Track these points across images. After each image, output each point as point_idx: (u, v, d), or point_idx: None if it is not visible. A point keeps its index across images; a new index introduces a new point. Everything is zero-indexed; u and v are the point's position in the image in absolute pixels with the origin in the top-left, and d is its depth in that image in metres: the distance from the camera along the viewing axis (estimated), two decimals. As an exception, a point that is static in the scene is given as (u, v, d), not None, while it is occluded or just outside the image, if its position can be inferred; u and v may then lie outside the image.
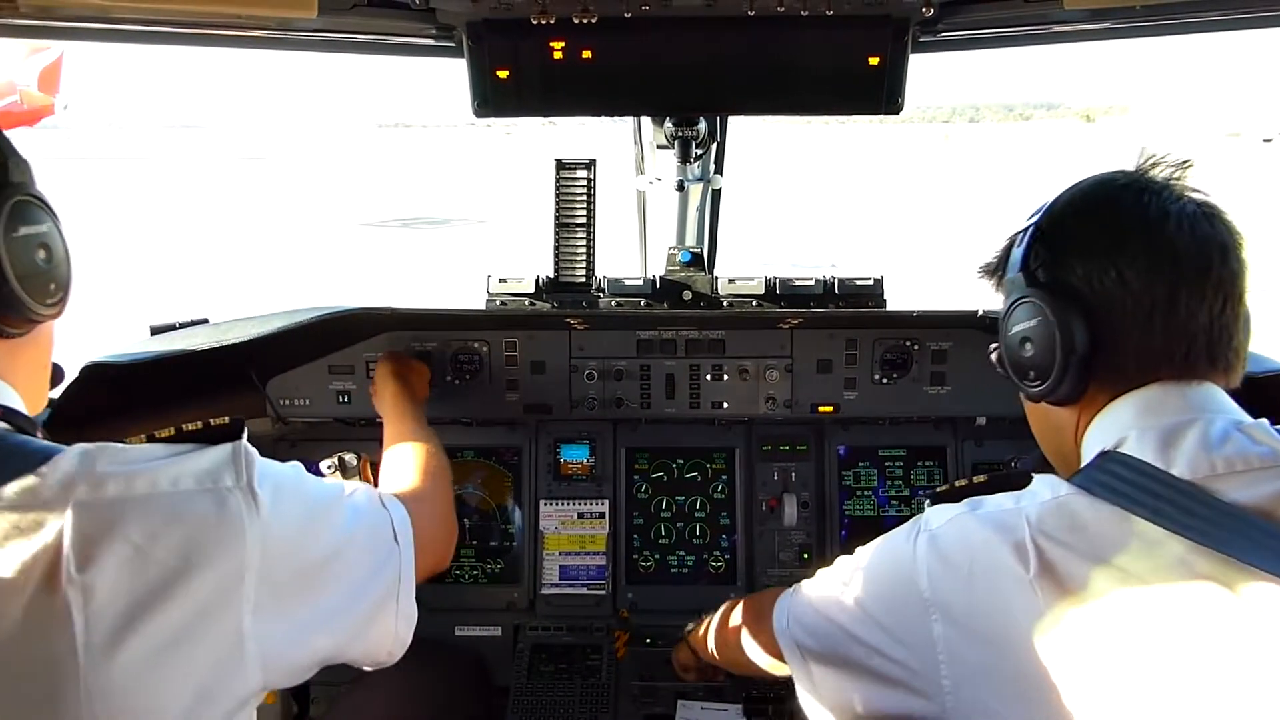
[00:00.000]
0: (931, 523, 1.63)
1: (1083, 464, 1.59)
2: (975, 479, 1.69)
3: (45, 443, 1.38)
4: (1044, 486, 1.54)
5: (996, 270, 1.85)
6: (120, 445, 1.39)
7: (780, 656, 2.03)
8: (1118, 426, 1.57)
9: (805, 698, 1.91)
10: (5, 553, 1.24)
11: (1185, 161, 1.64)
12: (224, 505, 1.37)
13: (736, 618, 2.43)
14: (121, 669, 1.25)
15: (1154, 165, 1.65)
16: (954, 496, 1.66)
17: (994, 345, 1.85)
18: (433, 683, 3.09)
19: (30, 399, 1.55)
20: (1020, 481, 1.59)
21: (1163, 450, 1.48)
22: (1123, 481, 1.45)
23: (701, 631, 2.71)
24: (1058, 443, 1.77)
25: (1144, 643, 1.36)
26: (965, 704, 1.52)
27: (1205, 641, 1.34)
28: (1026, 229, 1.72)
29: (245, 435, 1.48)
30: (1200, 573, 1.36)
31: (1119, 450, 1.52)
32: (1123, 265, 1.55)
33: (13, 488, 1.28)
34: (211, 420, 1.45)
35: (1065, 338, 1.59)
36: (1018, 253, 1.72)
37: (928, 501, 1.71)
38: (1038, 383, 1.67)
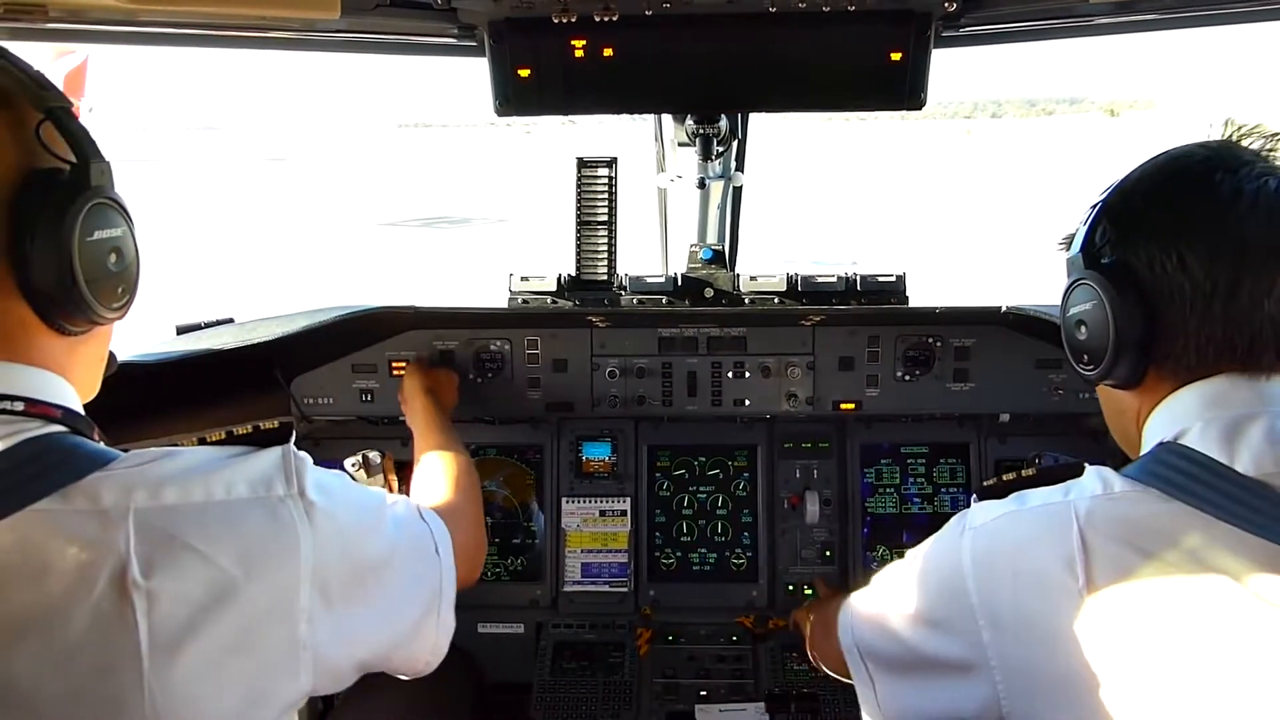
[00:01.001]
0: (975, 520, 1.57)
1: (1142, 453, 1.53)
2: (1024, 472, 1.63)
3: (100, 447, 1.38)
4: (1095, 479, 1.47)
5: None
6: (173, 449, 1.40)
7: (846, 669, 1.99)
8: (1179, 417, 1.50)
9: (868, 712, 1.86)
10: (70, 558, 1.24)
11: (1277, 134, 1.55)
12: (277, 515, 1.39)
13: (813, 628, 2.41)
14: (183, 673, 1.27)
15: (1242, 137, 1.56)
16: (1000, 491, 1.60)
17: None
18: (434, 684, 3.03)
19: (85, 391, 1.56)
20: (1071, 475, 1.53)
21: (1226, 443, 1.41)
22: (1181, 474, 1.39)
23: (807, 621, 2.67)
24: (1122, 426, 1.70)
25: (1202, 643, 1.31)
26: (1018, 707, 1.49)
27: (1266, 640, 1.29)
28: (1096, 205, 1.64)
29: (294, 439, 1.49)
30: (1262, 570, 1.31)
31: (1179, 442, 1.46)
32: (1184, 249, 1.47)
33: (72, 492, 1.28)
34: (261, 424, 1.48)
35: (1119, 323, 1.52)
36: (1082, 230, 1.64)
37: (974, 497, 1.66)
38: (1091, 366, 1.61)
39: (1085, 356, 1.63)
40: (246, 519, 1.36)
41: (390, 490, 3.01)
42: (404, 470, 3.16)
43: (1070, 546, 1.40)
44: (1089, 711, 1.38)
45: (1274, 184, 1.46)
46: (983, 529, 1.54)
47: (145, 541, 1.26)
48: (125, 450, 1.38)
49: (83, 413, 1.48)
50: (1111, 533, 1.40)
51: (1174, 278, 1.48)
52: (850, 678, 2.08)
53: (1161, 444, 1.48)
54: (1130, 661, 1.35)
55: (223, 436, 1.49)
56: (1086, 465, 1.53)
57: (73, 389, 1.48)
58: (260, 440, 1.49)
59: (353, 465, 2.93)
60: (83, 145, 1.44)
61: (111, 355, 1.67)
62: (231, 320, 3.29)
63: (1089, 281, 1.58)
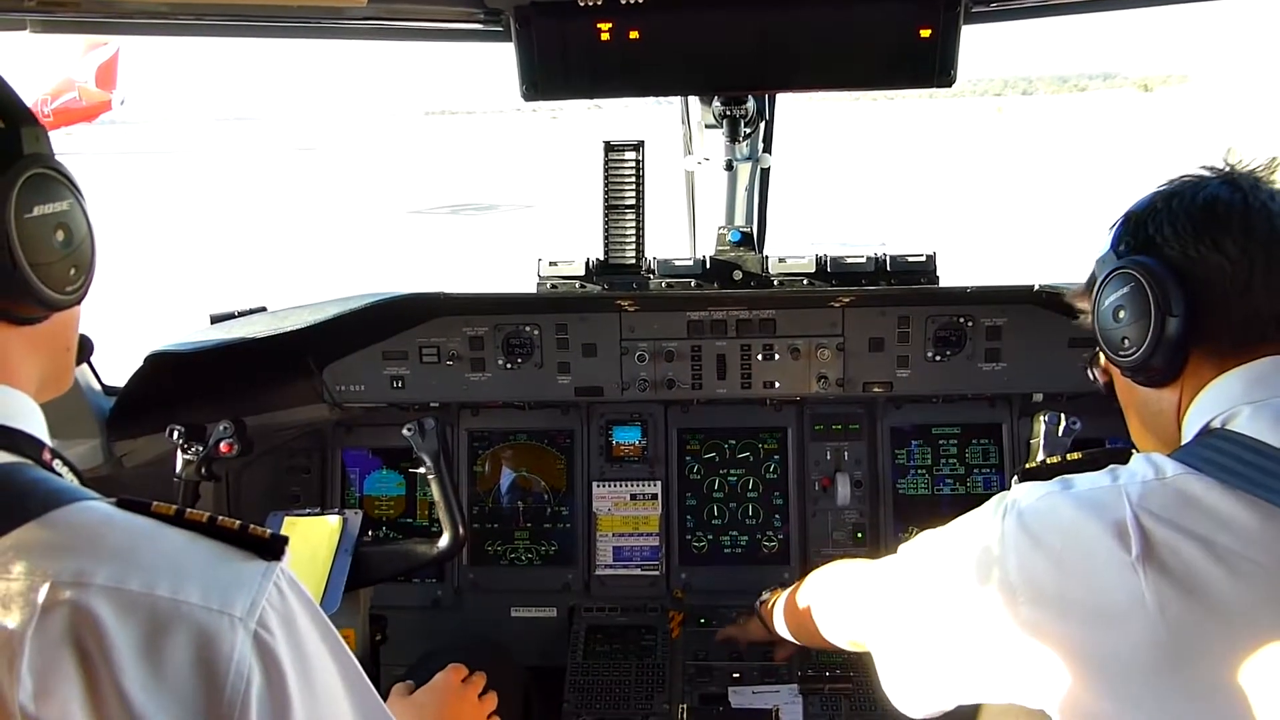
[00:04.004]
0: (1020, 501, 1.54)
1: (1184, 442, 1.52)
2: (1068, 456, 1.61)
3: (44, 486, 1.15)
4: (1145, 464, 1.45)
5: (1087, 286, 1.78)
6: (129, 518, 1.15)
7: (857, 634, 1.99)
8: (1226, 401, 1.49)
9: (886, 678, 1.83)
10: None
11: (1274, 159, 1.61)
12: (215, 641, 1.08)
13: (812, 593, 2.37)
14: None
15: (1240, 164, 1.61)
16: (1044, 474, 1.58)
17: (1085, 354, 1.81)
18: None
19: (51, 383, 1.39)
20: (1116, 459, 1.52)
21: (1279, 427, 1.40)
22: (1235, 460, 1.38)
23: (773, 605, 2.66)
24: (1159, 428, 1.67)
25: (1257, 628, 1.30)
26: (1053, 688, 1.46)
27: None
28: (1116, 222, 1.69)
29: (286, 558, 1.20)
30: None
31: (1228, 427, 1.45)
32: (1217, 233, 1.51)
33: None
34: (250, 526, 1.19)
35: (1159, 297, 1.52)
36: (1108, 239, 1.68)
37: (1014, 478, 1.64)
38: (1133, 350, 1.59)
39: (1126, 340, 1.60)
40: (175, 633, 1.07)
41: (435, 465, 2.98)
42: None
43: (1124, 530, 1.38)
44: (1130, 692, 1.37)
45: None
46: (1028, 508, 1.52)
47: (43, 655, 1.03)
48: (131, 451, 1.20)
49: (27, 430, 1.25)
50: (1166, 518, 1.38)
51: (1209, 258, 1.51)
52: (842, 649, 2.15)
53: (1209, 429, 1.47)
54: (1182, 643, 1.33)
55: (203, 520, 1.17)
56: (1134, 451, 1.52)
57: (24, 396, 1.29)
58: (245, 542, 1.18)
59: (408, 431, 2.95)
60: (11, 109, 1.25)
61: (84, 340, 1.49)
62: (264, 309, 3.33)
63: (1124, 268, 1.59)
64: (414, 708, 2.30)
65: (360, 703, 1.26)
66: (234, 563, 1.15)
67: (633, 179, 3.23)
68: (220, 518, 1.18)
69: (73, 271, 1.30)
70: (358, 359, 3.46)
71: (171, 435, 2.93)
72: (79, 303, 1.35)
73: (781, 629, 2.58)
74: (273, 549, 1.18)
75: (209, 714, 1.06)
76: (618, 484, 3.64)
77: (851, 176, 34.55)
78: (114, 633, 1.04)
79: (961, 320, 3.36)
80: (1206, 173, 1.62)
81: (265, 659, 1.10)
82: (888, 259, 3.19)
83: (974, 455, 3.62)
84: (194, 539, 1.16)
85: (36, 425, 1.28)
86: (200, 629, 1.07)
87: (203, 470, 2.96)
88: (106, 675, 1.03)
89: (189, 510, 1.18)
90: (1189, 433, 1.54)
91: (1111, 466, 1.50)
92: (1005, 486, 3.51)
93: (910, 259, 3.19)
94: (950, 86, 2.43)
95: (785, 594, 2.58)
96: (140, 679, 1.03)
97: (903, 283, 3.19)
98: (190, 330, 3.20)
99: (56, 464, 1.26)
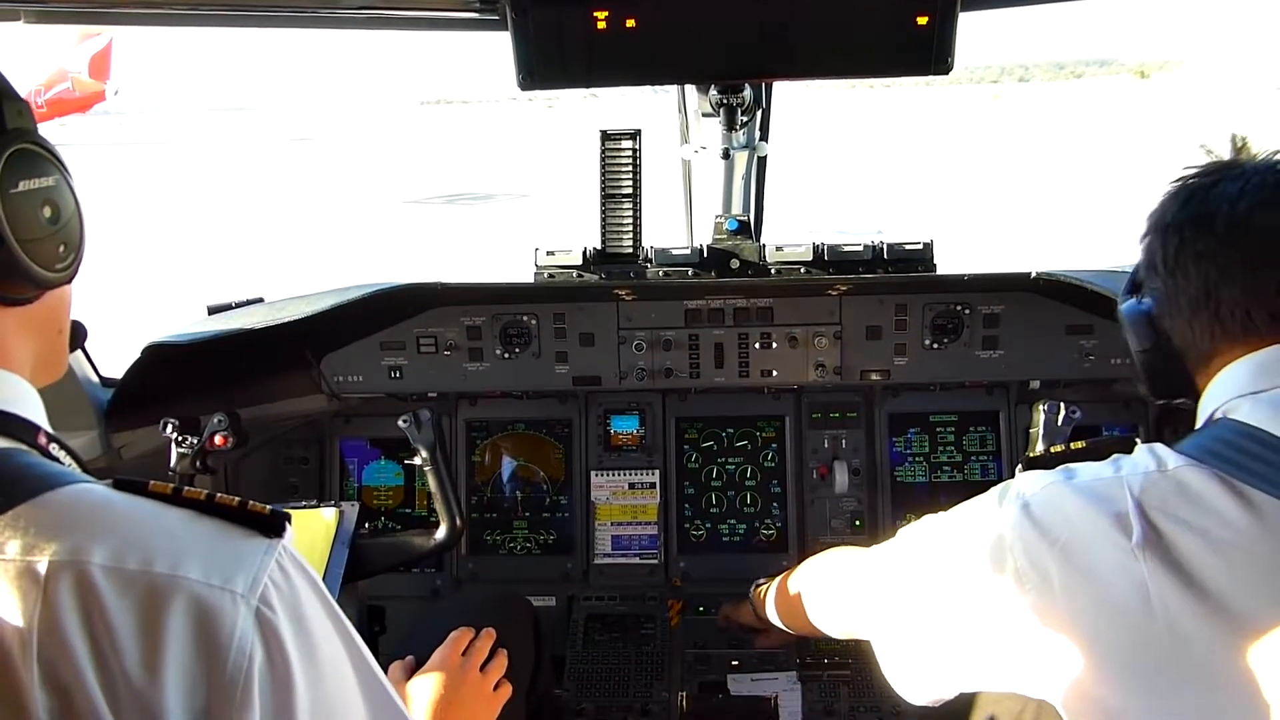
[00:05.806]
0: (1024, 490, 1.54)
1: (1197, 426, 1.54)
2: (1072, 445, 1.61)
3: (38, 470, 1.13)
4: (1148, 456, 1.46)
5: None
6: (127, 499, 1.13)
7: (854, 625, 1.99)
8: (1231, 389, 1.50)
9: (888, 666, 1.83)
10: None
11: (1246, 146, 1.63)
12: (217, 616, 1.06)
13: (805, 582, 2.36)
14: None
15: (1244, 147, 1.63)
16: (1047, 463, 1.58)
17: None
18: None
19: (44, 367, 1.37)
20: (1120, 449, 1.52)
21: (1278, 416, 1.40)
22: (1236, 450, 1.38)
23: (765, 591, 2.64)
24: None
25: (1258, 622, 1.30)
26: (1057, 675, 1.46)
27: None
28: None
29: (288, 536, 1.18)
30: None
31: (1230, 417, 1.46)
32: (1199, 229, 1.54)
33: None
34: (250, 503, 1.17)
35: (1145, 337, 1.64)
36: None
37: (1019, 467, 1.64)
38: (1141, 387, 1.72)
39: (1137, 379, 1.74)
40: (174, 610, 1.05)
41: (431, 457, 2.96)
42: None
43: (1125, 520, 1.39)
44: (1135, 680, 1.37)
45: (1268, 180, 1.53)
46: (1033, 498, 1.52)
47: (52, 629, 1.01)
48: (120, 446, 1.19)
49: (22, 414, 1.23)
50: (1166, 509, 1.38)
51: (1191, 244, 1.54)
52: (833, 637, 2.19)
53: (1212, 420, 1.49)
54: (1184, 632, 1.33)
55: (201, 497, 1.15)
56: (1138, 441, 1.52)
57: (19, 379, 1.27)
58: (245, 519, 1.16)
59: (404, 423, 2.94)
60: None
61: (78, 325, 1.46)
62: (261, 300, 3.32)
63: (1122, 314, 1.69)
64: (407, 701, 2.20)
65: (365, 681, 1.25)
66: (235, 539, 1.13)
67: (629, 168, 3.23)
68: (219, 495, 1.16)
69: (62, 249, 1.28)
70: (355, 349, 3.47)
71: (165, 428, 2.92)
72: (69, 281, 1.33)
73: (773, 616, 2.57)
74: (274, 526, 1.16)
75: (211, 692, 1.04)
76: (616, 473, 3.65)
77: (848, 165, 34.49)
78: (114, 612, 1.02)
79: (959, 308, 3.36)
80: (1213, 168, 1.61)
81: (268, 636, 1.08)
82: (885, 247, 3.19)
83: (971, 443, 3.63)
84: (193, 517, 1.14)
85: (32, 409, 1.26)
86: (200, 606, 1.05)
87: (197, 463, 2.95)
88: (111, 654, 1.01)
89: (187, 489, 1.15)
90: (1200, 416, 1.56)
91: (1115, 456, 1.50)
92: (1003, 474, 3.54)
93: (907, 247, 3.19)
94: (947, 74, 2.42)
95: (778, 581, 2.57)
96: (140, 657, 1.02)
97: (900, 271, 3.19)
98: (188, 321, 3.19)
99: (54, 449, 1.25)
